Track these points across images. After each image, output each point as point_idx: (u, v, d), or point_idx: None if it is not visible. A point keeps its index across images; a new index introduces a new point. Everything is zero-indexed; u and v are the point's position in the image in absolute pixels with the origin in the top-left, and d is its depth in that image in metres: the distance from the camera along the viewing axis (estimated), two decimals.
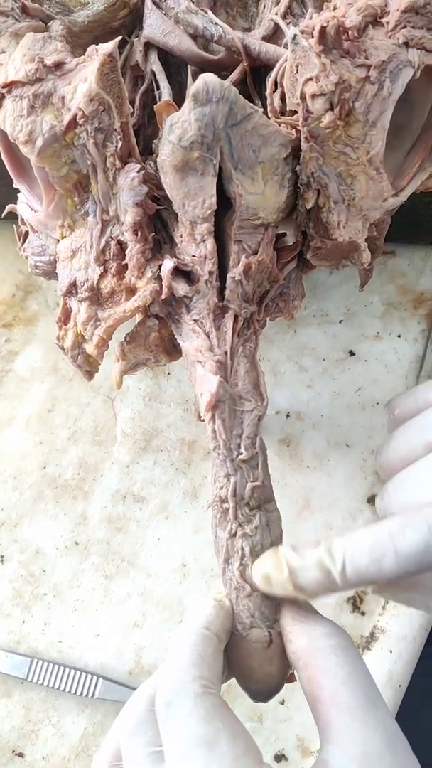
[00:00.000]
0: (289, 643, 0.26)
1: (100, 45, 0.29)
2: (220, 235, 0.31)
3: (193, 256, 0.30)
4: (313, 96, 0.28)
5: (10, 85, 0.29)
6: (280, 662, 0.27)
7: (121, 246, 0.31)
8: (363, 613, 0.43)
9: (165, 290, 0.30)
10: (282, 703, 0.42)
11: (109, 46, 0.29)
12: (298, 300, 0.35)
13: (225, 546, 0.28)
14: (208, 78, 0.27)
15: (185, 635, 0.25)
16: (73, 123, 0.29)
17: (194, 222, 0.29)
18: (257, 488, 0.29)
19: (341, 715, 0.23)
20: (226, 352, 0.30)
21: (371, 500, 0.45)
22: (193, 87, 0.27)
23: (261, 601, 0.27)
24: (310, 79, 0.28)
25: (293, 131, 0.30)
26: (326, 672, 0.24)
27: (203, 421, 0.30)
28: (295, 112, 0.30)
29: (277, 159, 0.29)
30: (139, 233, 0.31)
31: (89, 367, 0.34)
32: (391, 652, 0.41)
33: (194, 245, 0.30)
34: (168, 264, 0.30)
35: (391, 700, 0.40)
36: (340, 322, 0.49)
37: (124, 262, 0.31)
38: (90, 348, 0.32)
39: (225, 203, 0.30)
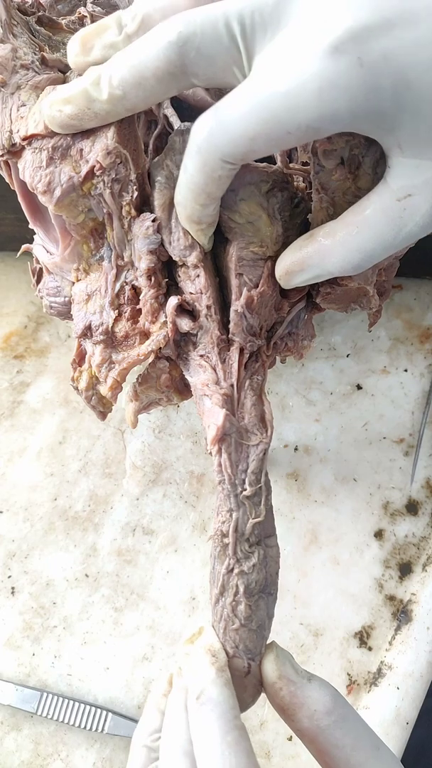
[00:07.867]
0: (291, 722, 0.27)
1: None
2: (223, 272, 0.32)
3: (191, 293, 0.31)
4: (325, 152, 0.28)
5: (30, 138, 0.30)
6: (253, 690, 0.28)
7: (135, 291, 0.32)
8: (370, 649, 0.43)
9: (170, 326, 0.31)
10: (290, 739, 0.42)
11: None
12: (307, 340, 0.36)
13: (221, 579, 0.29)
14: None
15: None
16: (90, 174, 0.30)
17: (183, 257, 0.31)
18: (258, 525, 0.29)
19: None
20: (232, 385, 0.31)
21: (378, 535, 0.46)
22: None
23: (247, 635, 0.28)
24: None
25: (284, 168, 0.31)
26: (334, 746, 0.25)
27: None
28: (307, 163, 0.31)
29: (257, 194, 0.30)
30: (153, 279, 0.31)
31: (103, 408, 0.34)
32: (398, 689, 0.41)
33: (190, 282, 0.31)
34: (172, 301, 0.31)
35: (399, 737, 0.40)
36: (348, 356, 0.50)
37: (138, 307, 0.32)
38: (104, 390, 0.33)
39: (225, 241, 0.31)
